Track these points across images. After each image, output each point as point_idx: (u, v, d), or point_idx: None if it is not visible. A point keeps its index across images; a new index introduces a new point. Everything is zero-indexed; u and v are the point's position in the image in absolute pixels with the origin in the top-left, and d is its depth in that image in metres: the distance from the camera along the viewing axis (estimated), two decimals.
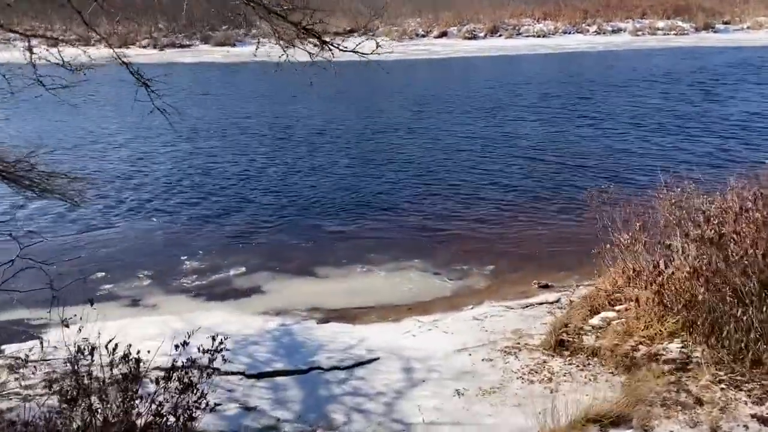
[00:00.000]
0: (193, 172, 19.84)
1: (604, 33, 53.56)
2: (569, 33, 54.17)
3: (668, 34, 52.37)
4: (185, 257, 13.66)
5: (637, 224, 10.14)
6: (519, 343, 9.66)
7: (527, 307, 11.19)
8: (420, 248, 14.00)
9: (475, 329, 10.31)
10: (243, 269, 13.12)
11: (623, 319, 9.30)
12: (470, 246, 14.04)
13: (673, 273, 8.59)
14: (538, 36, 53.38)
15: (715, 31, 52.67)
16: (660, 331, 8.49)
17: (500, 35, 54.16)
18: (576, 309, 10.32)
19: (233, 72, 41.99)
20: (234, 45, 54.32)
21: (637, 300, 9.12)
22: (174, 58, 47.52)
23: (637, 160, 19.68)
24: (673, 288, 8.62)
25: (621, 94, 29.96)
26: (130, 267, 13.25)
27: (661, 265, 8.82)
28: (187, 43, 57.22)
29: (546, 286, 12.08)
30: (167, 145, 23.17)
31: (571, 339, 9.19)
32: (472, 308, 11.26)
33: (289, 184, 18.42)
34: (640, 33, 52.73)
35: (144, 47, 54.58)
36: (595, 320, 9.65)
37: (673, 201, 10.49)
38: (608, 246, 10.34)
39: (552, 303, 11.26)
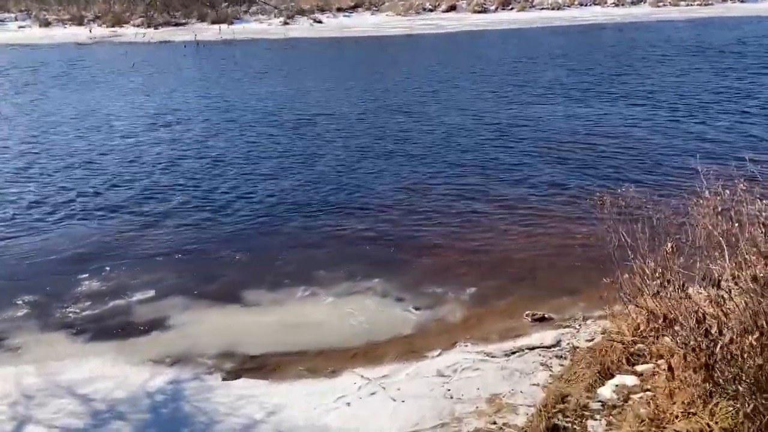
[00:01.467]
0: (122, 164, 16.82)
1: (622, 4, 49.83)
2: (586, 5, 50.51)
3: (691, 4, 48.60)
4: (85, 275, 10.72)
5: (669, 245, 6.96)
6: (495, 423, 6.60)
7: (514, 353, 8.13)
8: (385, 262, 10.95)
9: (436, 394, 7.30)
10: (151, 293, 10.13)
11: (649, 394, 6.21)
12: (449, 260, 10.94)
13: (725, 332, 5.45)
14: (553, 8, 49.77)
15: (742, 1, 48.71)
16: (708, 425, 5.36)
17: (512, 8, 50.58)
18: (580, 366, 7.25)
19: (224, 49, 38.86)
20: (232, 23, 51.65)
21: (669, 367, 6.00)
22: (167, 36, 44.50)
23: (670, 149, 16.35)
24: (727, 354, 5.48)
25: (646, 70, 26.47)
26: (8, 290, 10.29)
27: (709, 318, 5.68)
28: (183, 21, 54.48)
29: (542, 319, 8.99)
30: (94, 130, 20.19)
31: (569, 425, 6.10)
32: (438, 355, 8.22)
33: (238, 178, 15.35)
34: (661, 4, 49.00)
35: (138, 26, 52.04)
36: (607, 390, 6.56)
37: (719, 208, 7.32)
38: (627, 275, 7.22)
39: (548, 348, 8.19)
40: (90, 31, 49.08)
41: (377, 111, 21.43)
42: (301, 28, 47.81)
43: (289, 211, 13.20)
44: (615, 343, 7.25)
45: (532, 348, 8.19)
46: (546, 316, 9.06)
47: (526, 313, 9.13)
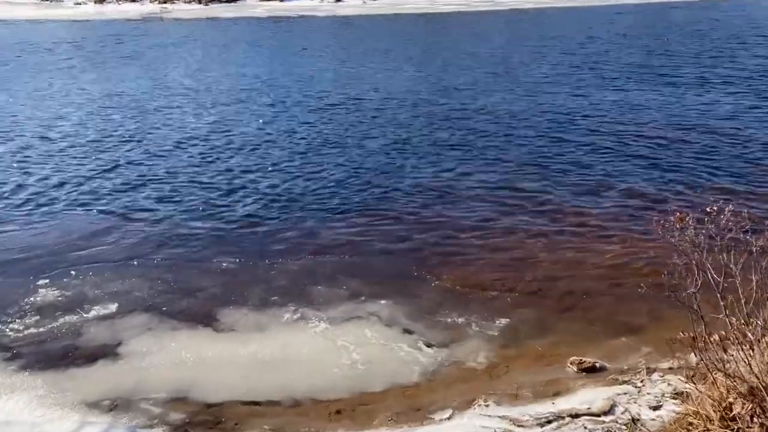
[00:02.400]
0: (127, 148, 15.16)
1: None
2: None
3: None
4: (45, 281, 9.08)
5: None
6: None
7: (551, 422, 6.02)
8: (396, 279, 8.93)
9: None
10: (113, 307, 8.37)
11: None
12: (476, 280, 8.83)
13: None
14: None
15: None
16: None
17: None
18: None
19: (268, 27, 37.19)
20: (282, 0, 50.29)
21: None
22: (217, 13, 43.27)
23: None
24: None
25: (740, 53, 23.52)
26: None
27: None
28: None
29: (591, 370, 6.84)
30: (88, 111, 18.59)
31: None
32: (449, 418, 6.20)
33: (246, 168, 13.52)
34: None
35: (188, 2, 51.19)
36: None
37: None
38: (713, 332, 5.06)
39: (598, 417, 6.05)
40: (142, 6, 48.78)
41: (422, 96, 19.33)
42: (354, 5, 45.99)
43: (294, 210, 11.27)
44: (699, 421, 5.06)
45: (577, 415, 6.06)
46: (597, 365, 6.91)
47: (571, 359, 6.99)
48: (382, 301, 8.28)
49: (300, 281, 8.89)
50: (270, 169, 13.24)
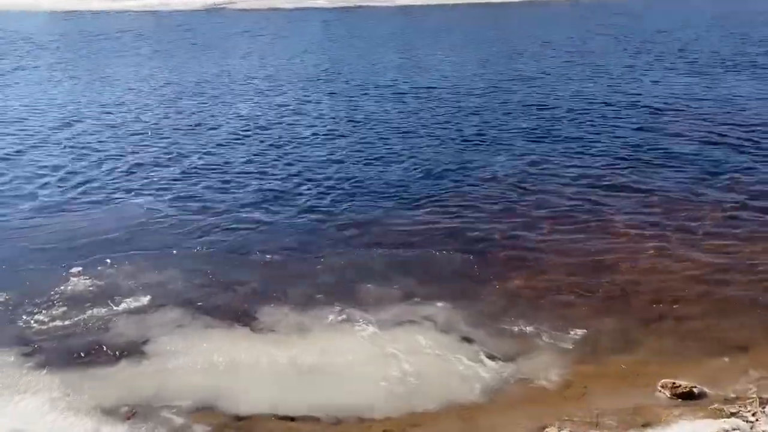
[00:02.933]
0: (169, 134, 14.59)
1: None
2: None
3: None
4: (77, 269, 8.47)
5: None
6: None
7: None
8: (457, 278, 7.96)
9: None
10: (145, 300, 7.71)
11: None
12: (549, 282, 7.77)
13: None
14: None
15: None
16: None
17: None
18: None
19: (329, 17, 36.59)
20: None
21: None
22: (279, 3, 43.03)
23: None
24: None
25: None
26: None
27: None
28: None
29: (688, 396, 5.71)
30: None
31: None
32: None
33: (300, 159, 12.72)
34: None
35: None
36: None
37: None
38: None
39: None
40: None
41: (494, 84, 18.21)
42: None
43: (350, 201, 10.37)
44: None
45: None
46: (695, 390, 5.76)
47: (663, 382, 5.86)
48: (439, 304, 7.30)
49: (348, 278, 8.00)
50: (330, 158, 12.40)
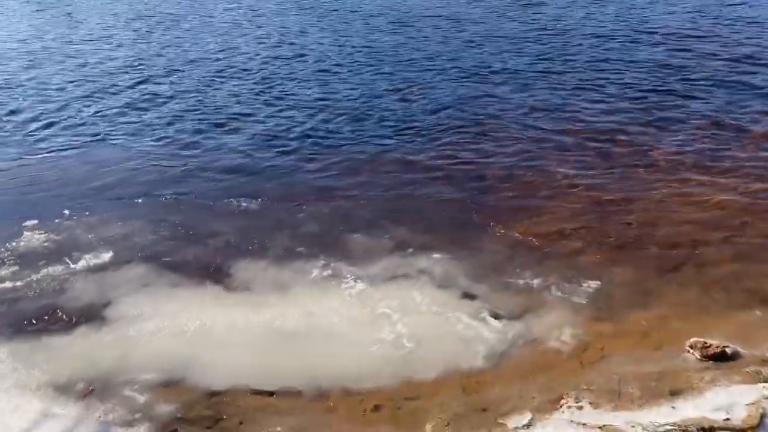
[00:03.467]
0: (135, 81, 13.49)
1: None
2: None
3: None
4: (33, 222, 7.61)
5: None
6: None
7: None
8: (452, 227, 7.20)
9: None
10: (107, 256, 6.94)
11: None
12: (551, 228, 7.03)
13: None
14: None
15: None
16: None
17: None
18: None
19: None
20: None
21: None
22: None
23: None
24: None
25: None
26: None
27: None
28: None
29: (720, 357, 5.04)
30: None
31: None
32: (527, 427, 4.43)
33: (279, 100, 11.69)
34: None
35: None
36: None
37: None
38: None
39: None
40: None
41: (491, 11, 17.00)
42: None
43: (333, 142, 9.49)
44: None
45: (711, 430, 4.25)
46: (727, 350, 5.06)
47: (691, 341, 5.16)
48: (435, 255, 6.54)
49: (334, 228, 7.21)
50: (315, 97, 11.40)
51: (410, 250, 6.68)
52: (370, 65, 12.76)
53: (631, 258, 6.45)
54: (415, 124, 9.77)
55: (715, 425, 4.29)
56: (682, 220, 7.04)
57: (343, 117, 10.21)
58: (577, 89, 10.86)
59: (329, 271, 6.40)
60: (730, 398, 4.54)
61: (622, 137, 8.93)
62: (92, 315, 6.00)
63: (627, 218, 7.10)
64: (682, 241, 6.66)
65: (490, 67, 12.24)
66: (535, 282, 6.07)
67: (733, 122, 9.17)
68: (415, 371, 5.08)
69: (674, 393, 4.67)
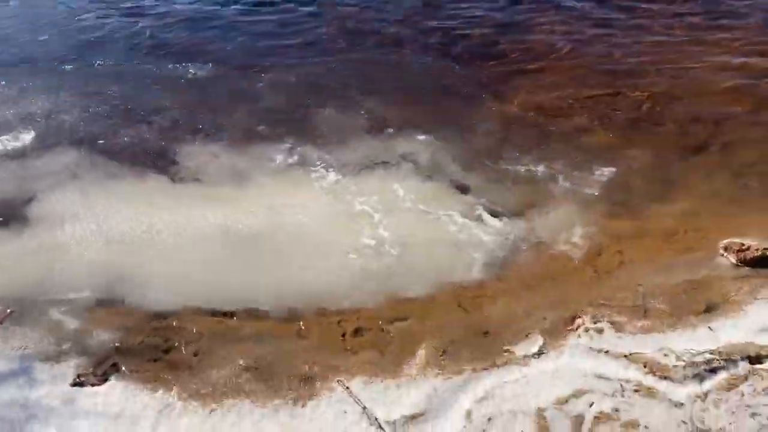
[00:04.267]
0: None
1: None
2: None
3: None
4: None
5: None
6: None
7: (716, 371, 3.50)
8: (439, 102, 6.11)
9: None
10: (26, 138, 5.77)
11: None
12: (553, 101, 5.99)
13: None
14: None
15: None
16: None
17: None
18: None
19: None
20: None
21: None
22: None
23: None
24: None
25: None
26: None
27: None
28: None
29: (761, 263, 4.26)
30: None
31: None
32: (537, 356, 3.70)
33: None
34: None
35: None
36: None
37: None
38: None
39: None
40: None
41: None
42: None
43: None
44: None
45: (759, 359, 3.56)
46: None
47: (725, 243, 4.41)
48: (421, 137, 5.54)
49: (300, 102, 6.10)
50: None
51: (390, 130, 5.67)
52: None
53: (648, 137, 5.54)
54: None
55: (763, 353, 3.59)
56: (701, 89, 6.07)
57: None
58: None
59: (295, 157, 5.40)
60: (761, 310, 3.84)
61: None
62: (10, 214, 4.98)
63: (638, 88, 6.08)
64: (703, 115, 5.75)
65: None
66: (539, 169, 5.17)
67: None
68: (402, 285, 4.26)
69: (710, 309, 3.95)
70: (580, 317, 3.93)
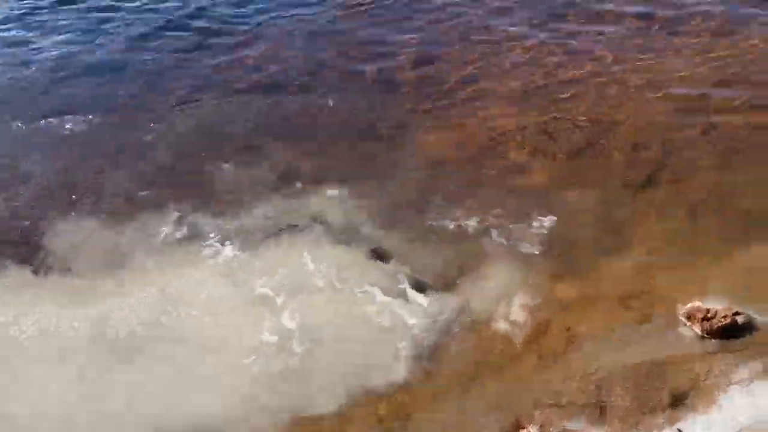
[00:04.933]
0: None
1: None
2: None
3: None
4: None
5: None
6: None
7: None
8: (357, 139, 5.35)
9: None
10: None
11: None
12: (488, 127, 5.31)
13: None
14: None
15: None
16: None
17: None
18: None
19: None
20: None
21: None
22: None
23: None
24: None
25: None
26: None
27: None
28: None
29: (732, 331, 3.65)
30: None
31: None
32: None
33: None
34: None
35: None
36: None
37: None
38: None
39: None
40: None
41: None
42: None
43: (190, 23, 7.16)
44: None
45: None
46: (738, 319, 3.67)
47: (687, 311, 3.78)
48: (334, 191, 4.80)
49: (194, 156, 5.28)
50: None
51: (299, 184, 4.89)
52: None
53: (590, 171, 4.91)
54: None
55: None
56: (646, 110, 5.45)
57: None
58: None
59: (185, 229, 4.58)
60: (755, 408, 3.19)
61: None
62: None
63: (577, 112, 5.43)
64: (649, 141, 5.14)
65: None
66: (470, 224, 4.45)
67: None
68: (309, 399, 3.48)
69: (677, 401, 3.31)
70: (524, 428, 3.22)
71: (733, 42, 6.08)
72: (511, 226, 4.42)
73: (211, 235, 4.48)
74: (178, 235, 4.53)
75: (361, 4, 7.18)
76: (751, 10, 6.52)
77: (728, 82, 5.63)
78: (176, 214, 4.68)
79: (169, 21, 7.18)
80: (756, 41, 6.06)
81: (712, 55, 6.01)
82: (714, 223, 4.36)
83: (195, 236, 4.51)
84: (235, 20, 7.12)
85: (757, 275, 3.93)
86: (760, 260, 4.05)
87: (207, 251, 4.37)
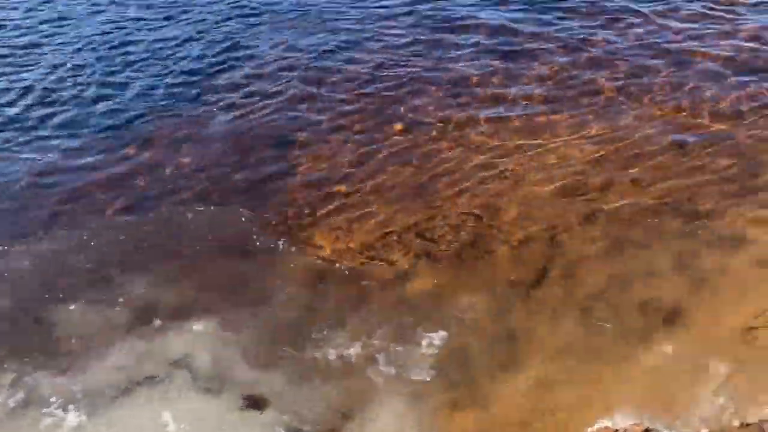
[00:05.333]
0: None
1: None
2: None
3: None
4: None
5: None
6: None
7: None
8: (225, 258, 4.82)
9: None
10: None
11: None
12: (365, 231, 4.97)
13: None
14: None
15: None
16: None
17: None
18: None
19: None
20: None
21: None
22: None
23: None
24: None
25: None
26: None
27: None
28: None
29: None
30: None
31: None
32: None
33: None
34: None
35: None
36: None
37: None
38: None
39: None
40: None
41: None
42: None
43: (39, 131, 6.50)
44: None
45: None
46: None
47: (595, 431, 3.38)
48: (197, 327, 4.23)
49: (34, 299, 4.59)
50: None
51: (157, 321, 4.29)
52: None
53: (477, 272, 4.61)
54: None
55: None
56: (528, 195, 5.26)
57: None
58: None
59: (21, 394, 3.87)
60: None
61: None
62: None
63: (458, 204, 5.17)
64: (535, 231, 4.91)
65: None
66: (353, 352, 4.01)
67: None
68: None
69: None
70: None
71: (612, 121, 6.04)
72: (398, 348, 4.00)
73: (53, 399, 3.80)
74: (11, 403, 3.80)
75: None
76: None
77: (610, 161, 5.55)
78: (10, 376, 3.95)
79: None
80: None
81: (592, 132, 5.94)
82: (610, 321, 4.11)
83: (33, 402, 3.81)
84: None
85: (661, 379, 3.68)
86: (661, 359, 3.82)
87: (46, 421, 3.67)
